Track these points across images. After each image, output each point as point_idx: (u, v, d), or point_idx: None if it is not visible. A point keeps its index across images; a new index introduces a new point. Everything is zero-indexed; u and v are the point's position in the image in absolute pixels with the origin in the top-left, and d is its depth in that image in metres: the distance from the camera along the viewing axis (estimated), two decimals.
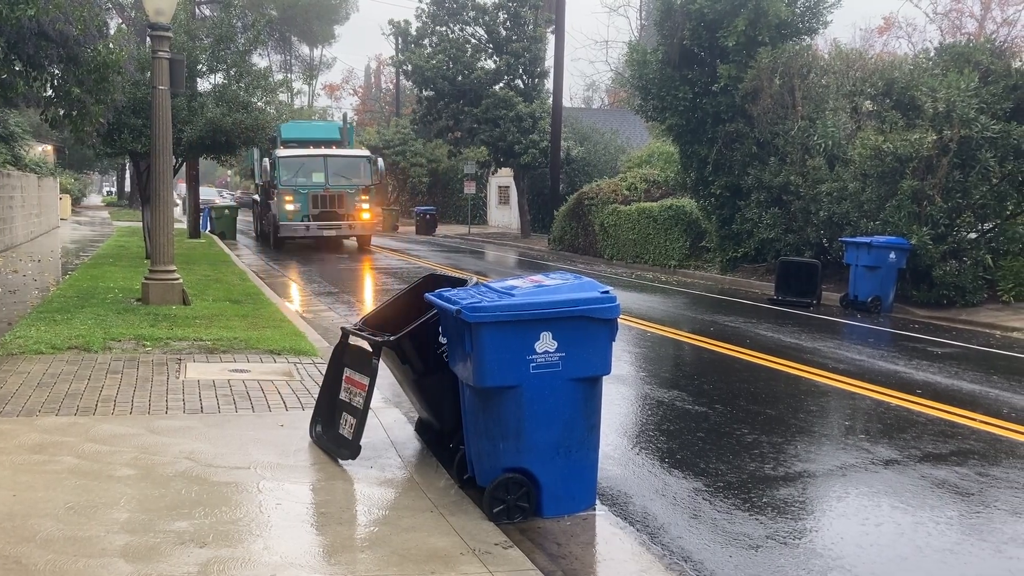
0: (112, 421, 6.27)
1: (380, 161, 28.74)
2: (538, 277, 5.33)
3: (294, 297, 15.06)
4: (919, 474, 5.92)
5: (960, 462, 6.18)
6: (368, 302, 14.66)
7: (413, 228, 38.82)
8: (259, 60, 34.99)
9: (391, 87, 61.90)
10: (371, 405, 5.61)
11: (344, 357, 5.85)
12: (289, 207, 26.10)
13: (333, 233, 26.64)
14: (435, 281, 6.09)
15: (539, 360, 4.75)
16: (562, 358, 4.78)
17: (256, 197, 32.48)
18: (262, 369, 8.07)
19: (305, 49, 69.96)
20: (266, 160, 26.85)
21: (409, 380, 5.71)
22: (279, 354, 8.71)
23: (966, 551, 4.72)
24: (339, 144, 29.24)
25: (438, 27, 34.56)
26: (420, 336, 5.40)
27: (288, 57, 68.38)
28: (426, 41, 34.83)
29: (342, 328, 6.01)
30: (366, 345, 5.57)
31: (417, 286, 6.09)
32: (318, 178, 26.65)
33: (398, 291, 6.29)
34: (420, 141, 46.55)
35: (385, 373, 5.96)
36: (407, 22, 36.50)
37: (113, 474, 5.16)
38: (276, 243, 26.71)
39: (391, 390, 7.30)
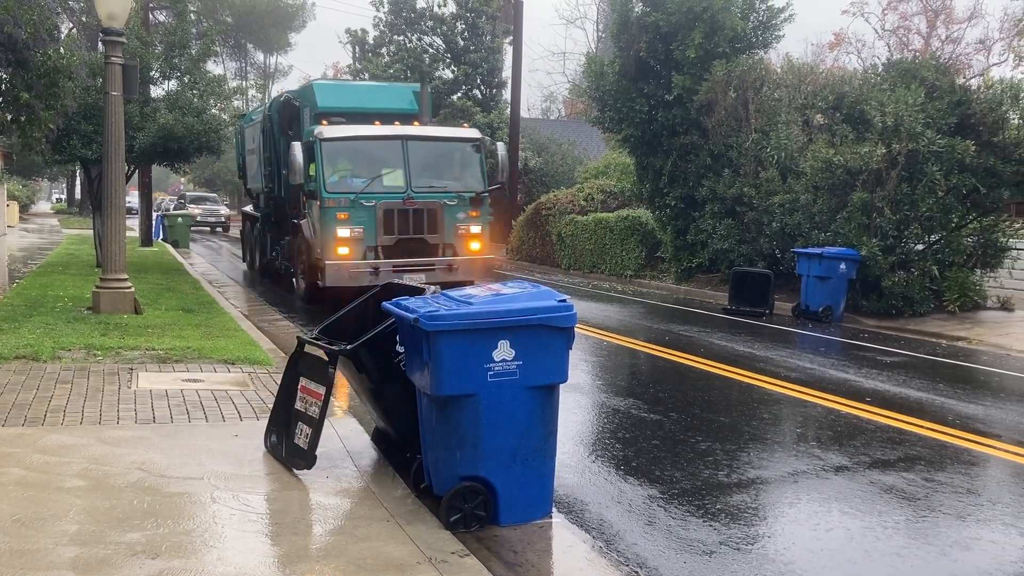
0: (61, 432, 6.16)
1: (501, 148, 15.88)
2: (496, 286, 5.36)
3: (249, 306, 14.89)
4: (868, 480, 6.04)
5: (907, 468, 6.31)
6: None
7: None
8: (214, 67, 34.57)
9: None
10: (327, 414, 5.58)
11: (300, 366, 5.81)
12: (343, 232, 13.99)
13: (421, 279, 13.58)
14: (392, 290, 6.09)
15: (497, 368, 4.77)
16: (520, 366, 4.81)
17: (250, 210, 21.77)
18: (216, 379, 7.97)
19: (261, 56, 69.34)
20: (295, 147, 14.43)
21: (366, 389, 5.70)
22: (233, 363, 8.62)
23: (912, 555, 4.83)
24: (417, 120, 16.38)
25: (396, 36, 34.56)
26: (377, 345, 5.39)
27: (243, 64, 67.70)
28: (384, 50, 34.80)
29: (298, 337, 5.97)
30: (322, 354, 5.55)
31: (374, 295, 6.08)
32: (393, 179, 14.60)
33: (355, 300, 6.27)
34: None
35: (342, 382, 5.93)
36: (364, 31, 36.44)
37: (62, 485, 5.07)
38: (310, 294, 15.18)
39: (348, 399, 7.26)
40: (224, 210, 45.01)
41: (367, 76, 34.16)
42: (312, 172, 14.28)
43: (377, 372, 5.51)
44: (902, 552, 4.86)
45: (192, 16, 20.28)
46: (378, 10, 35.70)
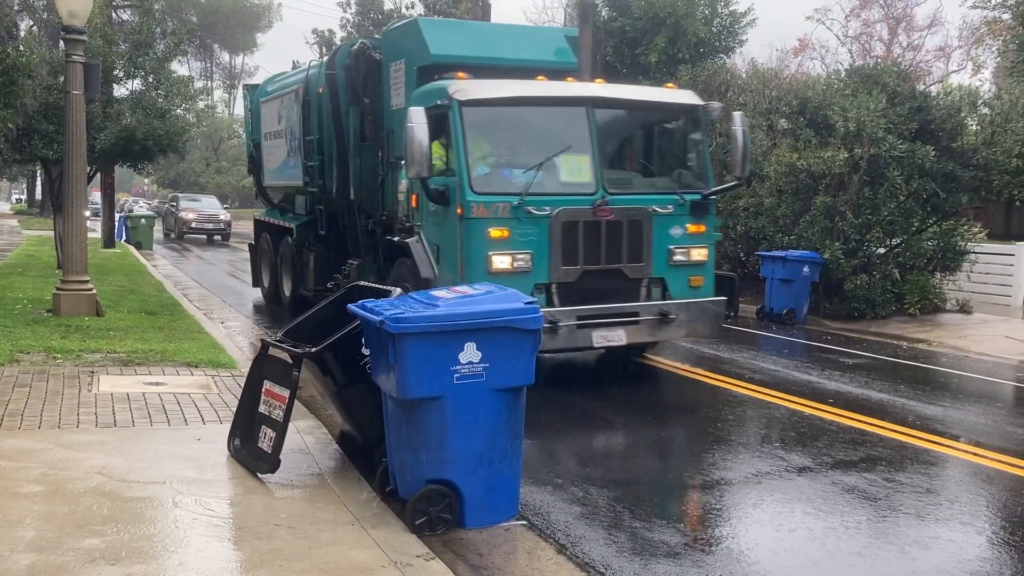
0: (19, 436, 6.05)
1: (739, 120, 9.37)
2: (463, 288, 5.35)
3: (214, 308, 14.74)
4: (831, 480, 6.11)
5: (868, 468, 6.40)
6: None
7: None
8: (178, 67, 34.14)
9: None
10: (291, 418, 5.54)
11: (264, 369, 5.76)
12: (500, 260, 8.31)
13: (619, 338, 8.61)
14: (358, 292, 6.06)
15: (463, 371, 4.76)
16: (486, 368, 4.80)
17: (272, 218, 15.24)
18: (179, 382, 7.88)
19: (227, 56, 68.77)
20: (416, 116, 8.11)
21: (331, 392, 5.66)
22: (197, 366, 8.52)
23: (873, 554, 4.89)
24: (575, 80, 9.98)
25: (363, 38, 34.38)
26: (342, 347, 5.36)
27: (209, 64, 67.13)
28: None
29: (262, 340, 5.93)
30: (287, 357, 5.50)
31: (340, 297, 6.04)
32: (574, 171, 8.82)
33: (320, 303, 6.23)
34: None
35: (307, 386, 5.89)
36: (331, 32, 36.18)
37: (19, 491, 4.98)
38: None
39: (312, 403, 7.21)
40: (225, 214, 36.75)
41: None
42: (440, 158, 8.52)
43: (342, 375, 5.48)
44: (863, 552, 4.92)
45: (157, 15, 19.93)
46: (345, 11, 35.48)
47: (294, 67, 15.82)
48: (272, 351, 5.76)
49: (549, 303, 8.29)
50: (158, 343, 9.60)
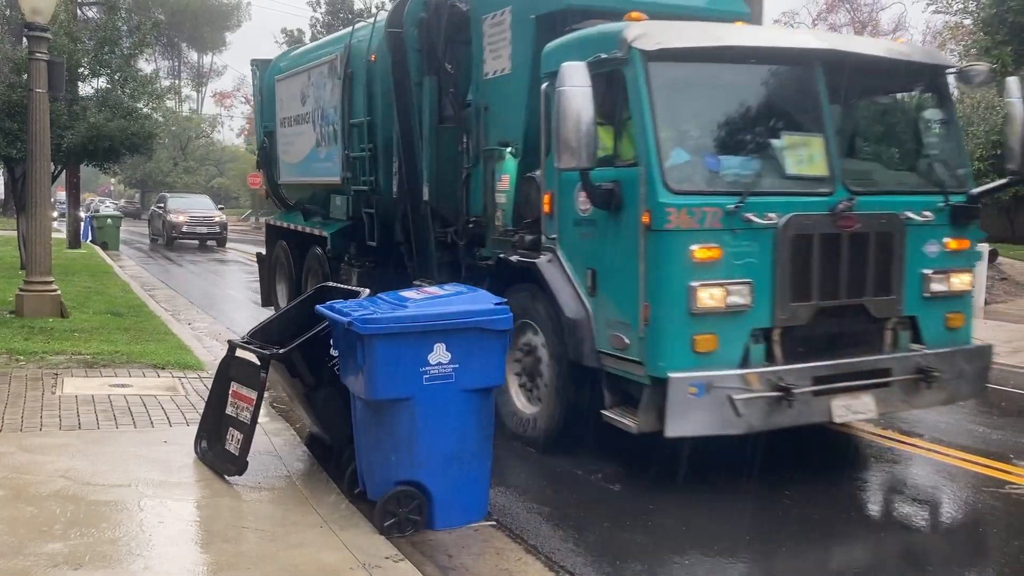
0: None
1: (1014, 86, 6.30)
2: (432, 288, 5.35)
3: (181, 310, 14.59)
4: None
5: None
6: None
7: None
8: (145, 65, 33.75)
9: None
10: (259, 420, 5.50)
11: (231, 371, 5.71)
12: (707, 295, 5.43)
13: (870, 411, 5.88)
14: (327, 292, 6.03)
15: (432, 372, 4.76)
16: (456, 369, 4.80)
17: (294, 224, 11.66)
18: (145, 384, 7.79)
19: (194, 55, 68.15)
20: (571, 73, 5.47)
21: (299, 394, 5.63)
22: (163, 368, 8.44)
23: None
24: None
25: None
26: (310, 348, 5.33)
27: (176, 63, 66.46)
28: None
29: (229, 341, 5.88)
30: (254, 358, 5.46)
31: (308, 298, 6.01)
32: (804, 164, 5.87)
33: (290, 303, 6.19)
34: None
35: (275, 387, 5.85)
36: (300, 31, 36.10)
37: None
38: (551, 437, 6.53)
39: (281, 404, 7.16)
40: (220, 216, 33.14)
41: None
42: (604, 139, 5.95)
43: (311, 376, 5.44)
44: None
45: (123, 13, 19.64)
46: (315, 10, 35.42)
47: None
48: (239, 352, 5.72)
49: (770, 357, 5.64)
50: (124, 344, 9.49)
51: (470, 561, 4.62)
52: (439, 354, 4.76)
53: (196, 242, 32.01)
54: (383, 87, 8.89)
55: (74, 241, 25.36)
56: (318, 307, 5.19)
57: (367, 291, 5.66)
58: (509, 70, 7.15)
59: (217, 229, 31.84)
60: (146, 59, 35.98)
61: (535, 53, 6.72)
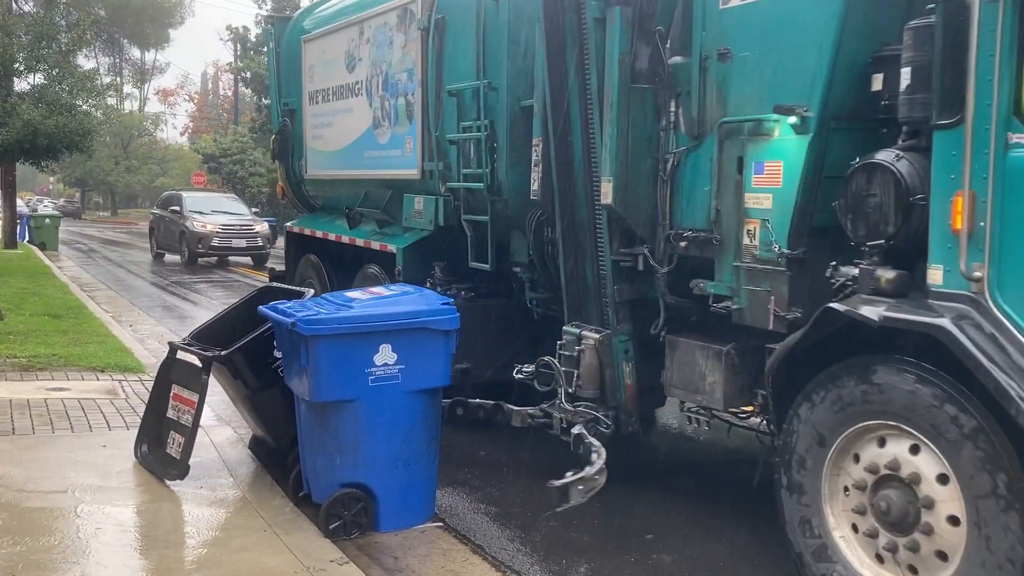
0: None
1: None
2: (378, 289, 5.32)
3: (122, 311, 14.30)
4: None
5: None
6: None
7: None
8: (85, 61, 33.00)
9: (229, 94, 60.18)
10: (201, 423, 5.42)
11: (172, 373, 5.62)
12: None
13: None
14: (270, 293, 5.96)
15: (378, 373, 4.73)
16: (401, 370, 4.78)
17: (335, 235, 8.70)
18: (83, 387, 7.62)
19: (137, 52, 66.82)
20: None
21: (242, 396, 5.56)
22: (102, 371, 8.26)
23: None
24: None
25: None
26: (253, 350, 5.26)
27: (118, 60, 65.09)
28: (266, 48, 34.05)
29: (170, 343, 5.78)
30: (196, 360, 5.38)
31: (251, 298, 5.93)
32: None
33: (231, 304, 6.11)
34: (260, 150, 45.34)
35: (217, 390, 5.77)
36: (246, 28, 35.62)
37: None
38: None
39: (223, 407, 7.05)
40: (262, 226, 24.32)
41: (249, 75, 33.34)
42: None
43: (254, 378, 5.38)
44: None
45: (61, 7, 19.22)
46: (260, 7, 34.95)
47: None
48: (181, 354, 5.62)
49: None
50: (62, 347, 9.27)
51: (416, 563, 4.60)
52: (385, 355, 4.74)
53: (228, 254, 23.98)
54: (512, 34, 6.33)
55: (10, 241, 24.69)
56: (261, 308, 5.13)
57: (312, 291, 5.61)
58: None
59: (259, 242, 23.57)
60: (85, 55, 35.16)
61: None
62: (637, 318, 5.57)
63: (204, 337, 5.73)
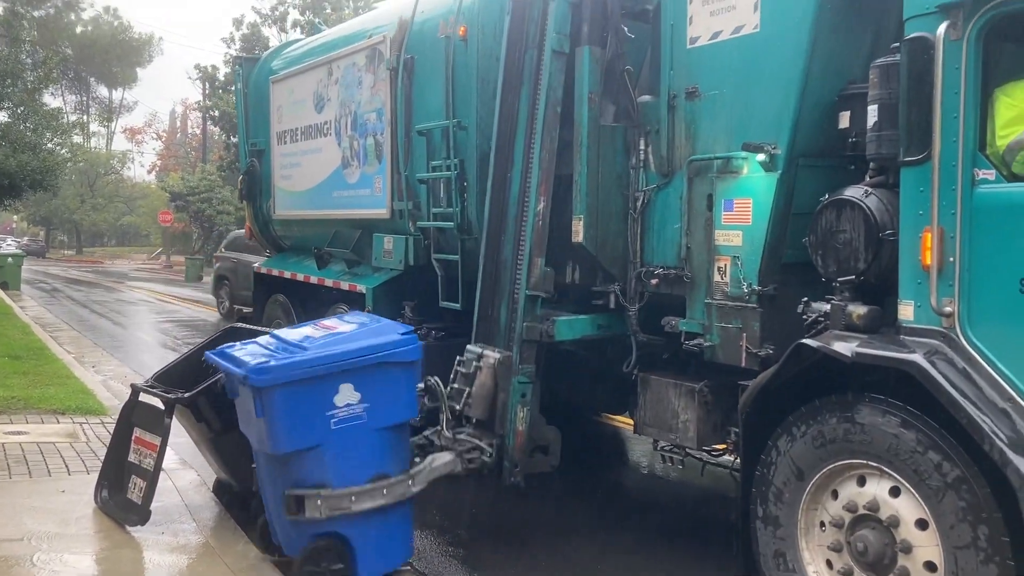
0: None
1: None
2: (332, 322, 5.10)
3: (85, 352, 14.03)
4: None
5: None
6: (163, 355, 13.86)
7: None
8: (51, 99, 32.75)
9: (198, 132, 59.98)
10: (163, 467, 5.28)
11: (134, 416, 5.48)
12: None
13: None
14: (236, 334, 5.84)
15: (341, 414, 4.53)
16: (367, 408, 4.59)
17: (304, 275, 8.79)
18: (43, 430, 7.42)
19: (104, 90, 66.54)
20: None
21: (205, 439, 5.44)
22: (63, 414, 8.05)
23: None
24: None
25: None
26: (217, 392, 5.13)
27: (85, 97, 64.78)
28: (234, 88, 34.03)
29: (132, 385, 5.65)
30: (158, 403, 5.25)
31: (216, 339, 5.81)
32: None
33: (194, 345, 5.99)
34: (228, 188, 45.18)
35: (181, 432, 5.64)
36: (215, 67, 35.59)
37: None
38: None
39: (186, 450, 6.89)
40: None
41: (217, 113, 33.25)
42: None
43: (217, 421, 5.26)
44: None
45: (27, 45, 19.06)
46: (229, 47, 34.97)
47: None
48: (143, 397, 5.49)
49: None
50: (21, 389, 9.03)
51: None
52: (347, 395, 4.51)
53: None
54: (481, 73, 6.28)
55: None
56: (208, 354, 4.89)
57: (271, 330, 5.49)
58: (756, 27, 4.61)
59: None
60: (52, 93, 34.94)
61: None
62: (612, 353, 5.59)
63: (168, 379, 5.61)
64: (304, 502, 4.40)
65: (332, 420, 4.50)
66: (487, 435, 5.34)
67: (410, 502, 4.92)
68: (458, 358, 5.67)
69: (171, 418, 5.14)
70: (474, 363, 5.50)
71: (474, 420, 5.40)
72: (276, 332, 5.00)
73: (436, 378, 5.32)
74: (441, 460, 5.00)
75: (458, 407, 5.43)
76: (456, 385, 5.54)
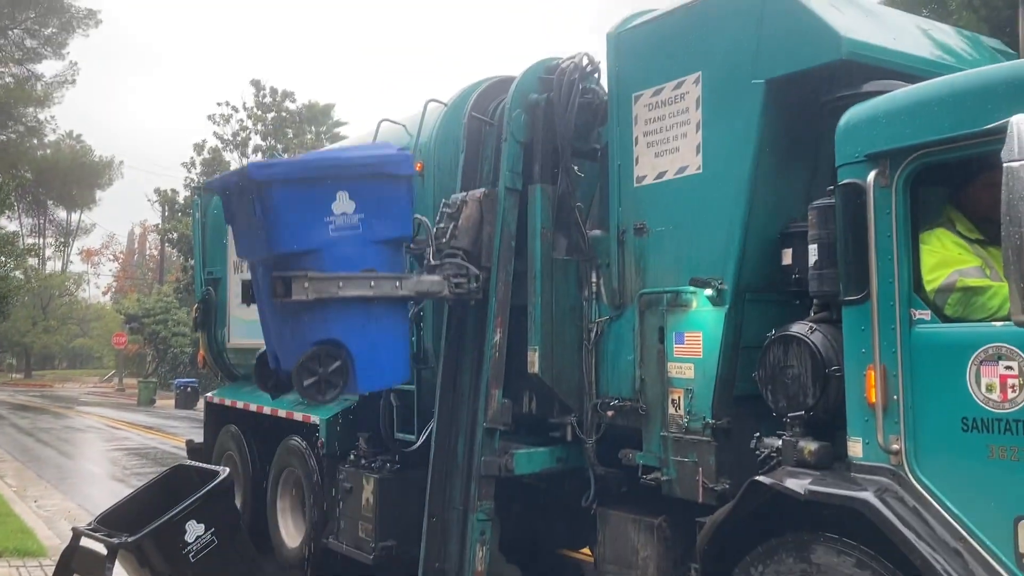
0: None
1: None
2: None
3: (28, 485, 13.52)
4: None
5: None
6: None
7: (172, 402, 36.55)
8: (7, 223, 32.62)
9: (155, 253, 59.85)
10: None
11: (74, 561, 5.27)
12: None
13: None
14: (183, 472, 5.71)
15: (338, 222, 4.72)
16: (362, 220, 4.81)
17: (257, 405, 8.32)
18: None
19: (63, 212, 66.42)
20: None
21: None
22: (0, 556, 7.70)
23: None
24: None
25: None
26: (164, 535, 4.98)
27: (41, 220, 64.55)
28: (192, 217, 34.26)
29: (73, 528, 5.45)
30: (101, 548, 5.06)
31: (162, 479, 5.67)
32: None
33: (139, 486, 5.82)
34: (184, 310, 44.82)
35: None
36: (175, 191, 35.90)
37: None
38: None
39: None
40: None
41: (175, 236, 33.30)
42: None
43: (164, 565, 5.07)
44: None
45: None
46: (189, 171, 35.38)
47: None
48: (84, 540, 5.29)
49: None
50: None
51: None
52: (343, 203, 4.66)
53: None
54: (438, 205, 6.09)
55: None
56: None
57: (227, 470, 5.38)
58: (699, 168, 4.75)
59: None
60: (8, 217, 34.83)
61: (763, 136, 4.47)
62: (569, 486, 5.57)
63: (111, 521, 5.42)
64: (291, 283, 4.53)
65: (330, 226, 4.63)
66: (474, 264, 5.54)
67: (405, 326, 5.14)
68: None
69: (113, 564, 4.95)
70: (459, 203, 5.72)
71: (460, 252, 5.55)
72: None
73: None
74: (430, 278, 5.30)
75: (444, 240, 5.56)
76: (442, 225, 5.66)
